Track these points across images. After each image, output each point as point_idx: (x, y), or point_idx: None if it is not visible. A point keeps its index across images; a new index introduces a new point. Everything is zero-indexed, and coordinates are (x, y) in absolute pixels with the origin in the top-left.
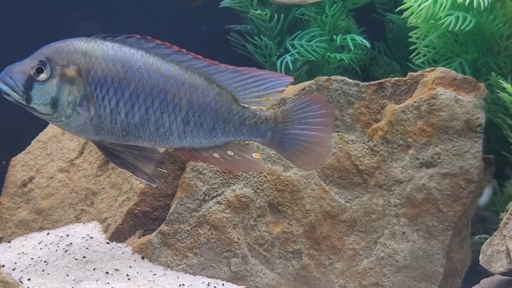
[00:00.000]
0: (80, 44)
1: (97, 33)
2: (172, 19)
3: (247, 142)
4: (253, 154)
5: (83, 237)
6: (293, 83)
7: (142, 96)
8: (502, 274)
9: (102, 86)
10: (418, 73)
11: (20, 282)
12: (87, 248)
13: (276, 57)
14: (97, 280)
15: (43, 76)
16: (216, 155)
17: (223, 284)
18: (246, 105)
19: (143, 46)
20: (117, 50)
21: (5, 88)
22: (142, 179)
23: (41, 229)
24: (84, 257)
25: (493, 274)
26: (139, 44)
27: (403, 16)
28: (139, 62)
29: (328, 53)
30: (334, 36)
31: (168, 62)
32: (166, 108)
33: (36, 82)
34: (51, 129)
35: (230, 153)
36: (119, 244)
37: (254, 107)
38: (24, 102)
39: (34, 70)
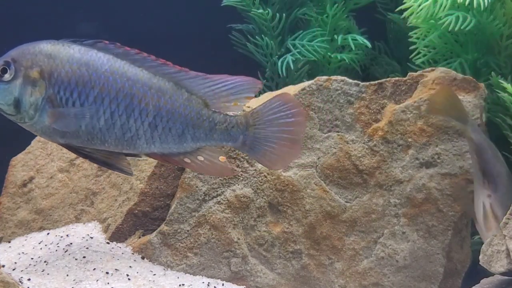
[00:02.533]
0: (46, 46)
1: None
2: (173, 17)
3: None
4: (220, 158)
5: (83, 237)
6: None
7: (107, 100)
8: (502, 274)
9: (66, 88)
10: (418, 73)
11: (20, 282)
12: (87, 248)
13: (277, 57)
14: (97, 280)
15: (7, 76)
16: (187, 160)
17: (223, 284)
18: (217, 110)
19: (111, 51)
20: (83, 53)
21: None
22: (117, 172)
23: (41, 229)
24: (84, 257)
25: (493, 274)
26: (108, 49)
27: (403, 16)
28: (105, 65)
29: (329, 53)
30: (335, 36)
31: (136, 66)
32: (132, 112)
33: (1, 82)
34: None
35: (201, 158)
36: (119, 244)
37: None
38: None
39: None
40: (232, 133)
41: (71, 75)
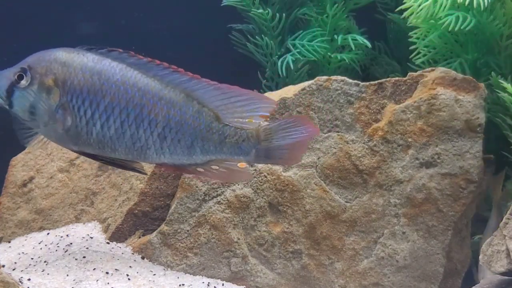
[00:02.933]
0: (62, 54)
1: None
2: (173, 17)
3: None
4: (238, 164)
5: (83, 237)
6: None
7: (117, 109)
8: (502, 274)
9: (78, 97)
10: (418, 73)
11: (20, 282)
12: (87, 248)
13: (277, 56)
14: (97, 280)
15: (23, 83)
16: (200, 169)
17: (223, 284)
18: (228, 124)
19: (125, 60)
20: (96, 62)
21: None
22: (132, 172)
23: (41, 229)
24: (84, 257)
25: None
26: (121, 58)
27: (403, 16)
28: (117, 75)
29: (329, 53)
30: (335, 36)
31: (149, 77)
32: (142, 122)
33: (17, 88)
34: None
35: (215, 167)
36: (119, 244)
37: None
38: (7, 107)
39: (16, 76)
40: (242, 147)
41: (83, 84)
